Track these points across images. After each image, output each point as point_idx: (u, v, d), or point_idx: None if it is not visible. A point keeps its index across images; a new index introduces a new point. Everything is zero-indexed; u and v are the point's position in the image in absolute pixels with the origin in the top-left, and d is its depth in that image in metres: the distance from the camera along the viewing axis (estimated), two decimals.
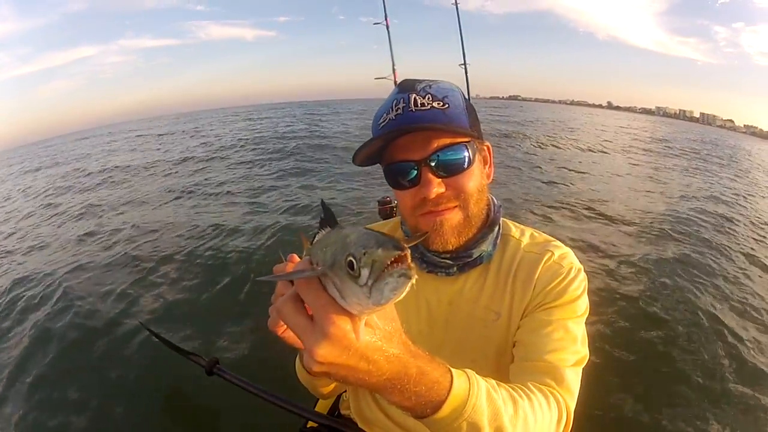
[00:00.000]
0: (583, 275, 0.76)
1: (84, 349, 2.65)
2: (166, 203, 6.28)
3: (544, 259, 0.77)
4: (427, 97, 0.70)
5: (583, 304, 0.74)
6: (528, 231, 0.85)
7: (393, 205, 2.24)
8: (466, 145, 0.72)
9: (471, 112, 0.75)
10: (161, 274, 3.61)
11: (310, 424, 1.04)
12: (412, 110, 0.69)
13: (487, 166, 0.80)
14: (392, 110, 0.71)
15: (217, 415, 2.03)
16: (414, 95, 0.70)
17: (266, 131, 14.95)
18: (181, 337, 2.64)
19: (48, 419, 2.11)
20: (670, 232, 4.97)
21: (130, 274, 3.66)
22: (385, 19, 2.16)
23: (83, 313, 3.05)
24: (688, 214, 5.86)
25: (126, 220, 5.40)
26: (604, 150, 12.92)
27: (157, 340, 1.66)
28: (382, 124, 0.72)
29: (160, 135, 18.37)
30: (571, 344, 0.69)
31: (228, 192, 6.50)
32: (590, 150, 12.47)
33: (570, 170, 8.63)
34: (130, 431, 2.05)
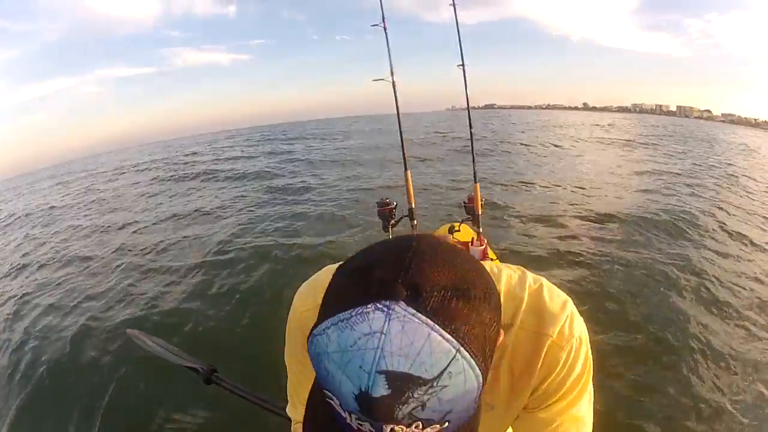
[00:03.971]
0: (587, 345, 0.59)
1: (78, 358, 2.62)
2: (155, 221, 6.21)
3: (546, 344, 0.56)
4: (415, 426, 0.33)
5: (590, 376, 0.60)
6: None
7: (393, 206, 2.10)
8: None
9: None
10: (158, 283, 3.59)
11: None
12: None
13: None
14: (351, 415, 0.33)
15: (216, 424, 2.03)
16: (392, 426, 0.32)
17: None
18: (178, 347, 2.61)
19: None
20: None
21: (127, 284, 3.63)
22: (383, 21, 2.21)
23: (78, 322, 3.01)
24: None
25: (120, 235, 5.35)
26: None
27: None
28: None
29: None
30: (580, 427, 0.61)
31: (222, 207, 6.43)
32: None
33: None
34: None
